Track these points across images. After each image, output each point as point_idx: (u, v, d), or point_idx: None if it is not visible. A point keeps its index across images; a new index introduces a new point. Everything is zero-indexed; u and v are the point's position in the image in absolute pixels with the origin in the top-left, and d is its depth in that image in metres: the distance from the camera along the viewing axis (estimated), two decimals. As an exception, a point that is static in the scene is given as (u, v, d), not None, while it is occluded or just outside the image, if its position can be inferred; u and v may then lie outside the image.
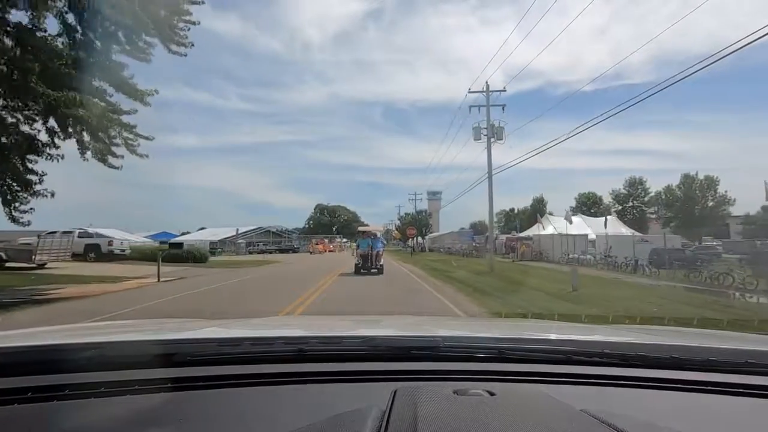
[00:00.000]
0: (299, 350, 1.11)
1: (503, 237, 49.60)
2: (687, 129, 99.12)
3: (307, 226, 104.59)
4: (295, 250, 63.72)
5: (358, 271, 20.06)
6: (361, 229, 25.58)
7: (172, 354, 1.06)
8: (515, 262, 32.05)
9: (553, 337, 1.46)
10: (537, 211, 62.20)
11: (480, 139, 24.66)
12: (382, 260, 20.51)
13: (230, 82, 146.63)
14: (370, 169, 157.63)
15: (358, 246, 21.45)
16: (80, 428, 0.84)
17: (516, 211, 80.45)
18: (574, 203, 65.94)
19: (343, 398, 0.92)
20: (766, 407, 0.98)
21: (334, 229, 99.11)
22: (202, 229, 74.22)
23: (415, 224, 59.61)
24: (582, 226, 37.95)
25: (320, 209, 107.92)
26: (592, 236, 32.97)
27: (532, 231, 42.28)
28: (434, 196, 64.70)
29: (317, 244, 63.98)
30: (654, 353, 1.15)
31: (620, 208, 63.46)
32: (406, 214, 72.06)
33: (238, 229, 56.99)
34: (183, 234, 71.25)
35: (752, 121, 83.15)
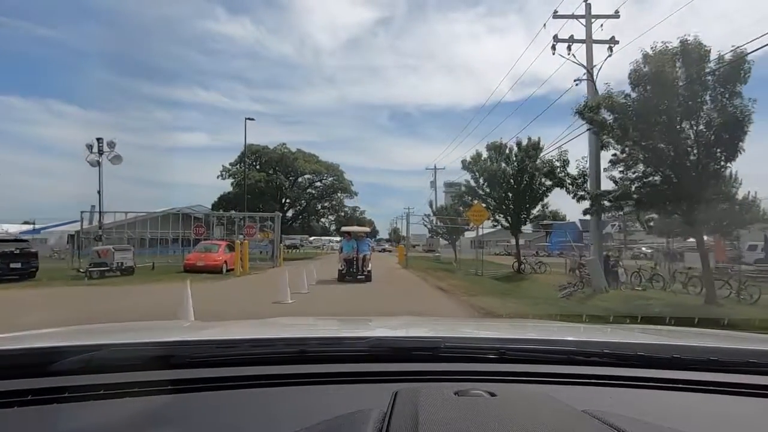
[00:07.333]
0: (300, 351, 1.11)
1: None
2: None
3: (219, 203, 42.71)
4: (124, 269, 18.55)
5: (342, 278, 17.38)
6: (345, 229, 21.47)
7: (171, 356, 1.06)
8: None
9: (554, 337, 1.46)
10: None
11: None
12: (369, 265, 17.93)
13: (241, 83, 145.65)
14: (375, 171, 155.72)
15: (341, 249, 18.66)
16: (80, 431, 0.84)
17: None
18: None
19: (344, 400, 0.91)
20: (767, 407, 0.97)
21: (284, 203, 44.46)
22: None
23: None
24: None
25: (254, 155, 43.13)
26: None
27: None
28: (452, 188, 45.08)
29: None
30: (655, 353, 1.14)
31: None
32: (467, 180, 26.27)
33: (93, 207, 23.46)
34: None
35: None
